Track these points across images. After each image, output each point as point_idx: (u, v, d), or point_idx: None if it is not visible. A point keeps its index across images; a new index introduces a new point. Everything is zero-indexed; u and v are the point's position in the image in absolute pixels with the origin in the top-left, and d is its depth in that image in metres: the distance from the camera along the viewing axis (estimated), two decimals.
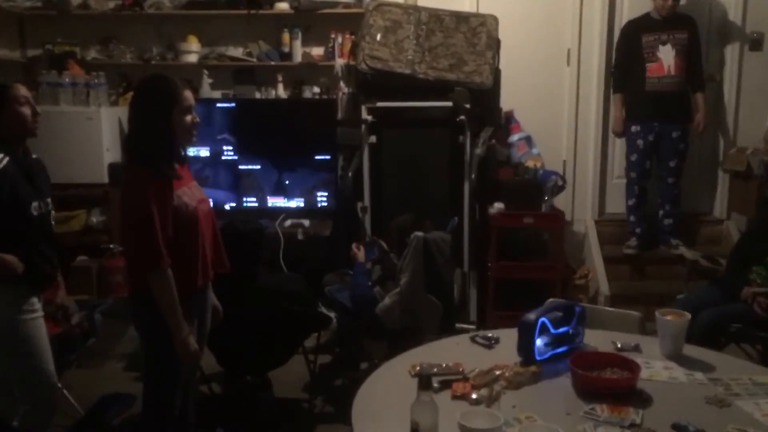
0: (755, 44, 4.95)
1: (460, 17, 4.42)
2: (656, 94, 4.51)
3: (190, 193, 2.41)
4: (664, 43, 4.48)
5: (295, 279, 3.50)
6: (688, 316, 2.11)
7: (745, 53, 4.96)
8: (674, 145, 4.55)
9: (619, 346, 2.17)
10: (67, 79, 4.66)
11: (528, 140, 4.84)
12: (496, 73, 4.39)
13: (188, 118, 2.38)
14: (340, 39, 4.90)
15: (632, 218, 4.76)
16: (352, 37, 4.81)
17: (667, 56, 4.48)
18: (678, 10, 4.53)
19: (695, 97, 4.59)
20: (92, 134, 4.57)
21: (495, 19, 4.42)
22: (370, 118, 4.34)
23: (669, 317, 2.12)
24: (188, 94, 2.39)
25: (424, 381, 1.55)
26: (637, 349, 2.16)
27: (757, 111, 4.86)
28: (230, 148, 4.43)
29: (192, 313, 2.41)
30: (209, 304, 2.62)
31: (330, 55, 4.94)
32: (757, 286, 3.37)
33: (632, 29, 4.63)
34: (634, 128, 4.61)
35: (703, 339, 2.77)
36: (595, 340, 2.21)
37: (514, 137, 4.84)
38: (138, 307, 2.40)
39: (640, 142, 4.58)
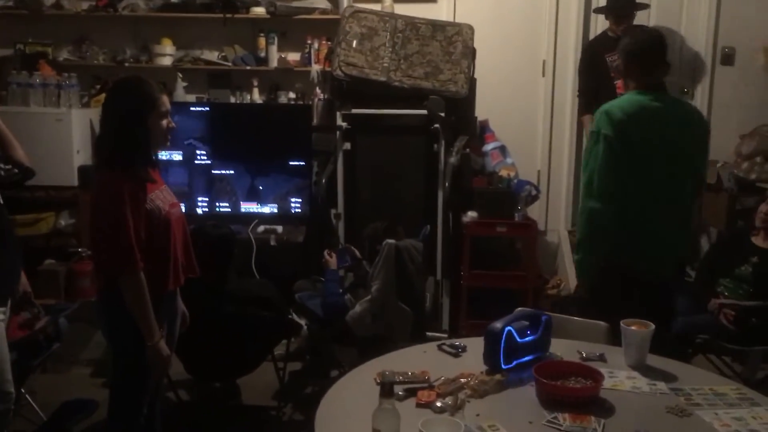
0: (727, 59, 5.02)
1: (437, 26, 4.44)
2: None
3: (162, 197, 2.39)
4: None
5: (266, 285, 3.49)
6: (652, 326, 2.12)
7: (717, 67, 5.03)
8: None
9: (584, 355, 2.18)
10: (37, 80, 4.58)
11: (502, 150, 4.86)
12: (472, 83, 4.41)
13: (164, 122, 2.37)
14: (316, 45, 4.89)
15: None
16: (329, 43, 4.81)
17: None
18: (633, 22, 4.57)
19: None
20: (62, 136, 4.50)
21: (471, 28, 4.45)
22: (344, 124, 4.34)
23: (633, 327, 2.13)
24: (165, 99, 2.39)
25: (385, 388, 1.54)
26: (602, 358, 2.17)
27: (728, 125, 4.92)
28: (204, 152, 4.40)
29: (162, 318, 2.39)
30: (179, 309, 2.60)
31: (306, 60, 4.93)
32: (724, 298, 3.43)
33: (593, 50, 4.67)
34: None
35: (671, 349, 2.79)
36: (561, 349, 2.21)
37: (489, 146, 4.86)
38: (106, 312, 2.37)
39: None
